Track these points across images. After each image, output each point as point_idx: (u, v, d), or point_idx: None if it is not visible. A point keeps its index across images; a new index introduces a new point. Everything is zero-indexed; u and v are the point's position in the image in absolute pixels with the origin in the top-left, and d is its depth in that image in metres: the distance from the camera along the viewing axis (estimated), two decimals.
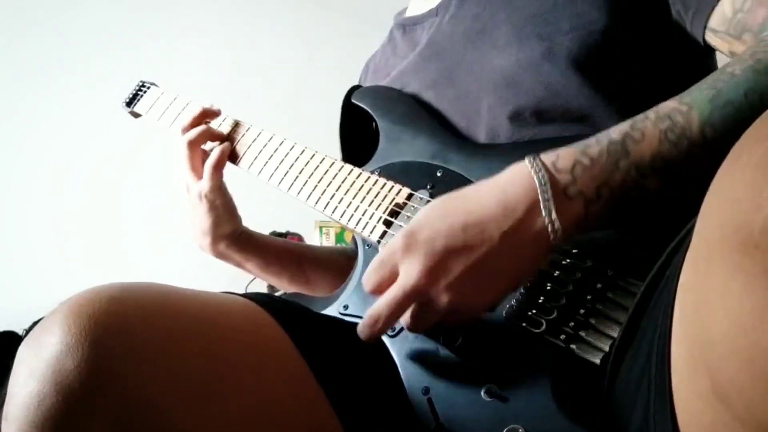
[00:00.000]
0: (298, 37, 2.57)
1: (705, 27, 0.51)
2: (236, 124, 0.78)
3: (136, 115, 0.91)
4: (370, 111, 0.70)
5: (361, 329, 0.47)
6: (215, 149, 0.74)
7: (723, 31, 0.51)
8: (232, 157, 0.76)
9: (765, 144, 0.26)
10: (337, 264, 0.81)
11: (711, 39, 0.52)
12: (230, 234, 0.76)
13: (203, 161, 0.73)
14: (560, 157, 0.43)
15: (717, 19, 0.51)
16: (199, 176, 0.73)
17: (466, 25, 0.67)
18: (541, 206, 0.42)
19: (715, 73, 0.45)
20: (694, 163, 0.41)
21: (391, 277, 0.46)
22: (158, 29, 2.32)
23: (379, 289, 0.47)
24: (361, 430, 0.51)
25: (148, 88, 0.89)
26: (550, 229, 0.42)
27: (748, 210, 0.24)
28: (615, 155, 0.42)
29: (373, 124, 0.70)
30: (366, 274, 0.48)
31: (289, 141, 0.72)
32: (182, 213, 0.77)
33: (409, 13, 0.81)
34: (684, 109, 0.42)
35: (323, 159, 0.68)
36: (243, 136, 0.76)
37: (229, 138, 0.76)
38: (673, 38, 0.57)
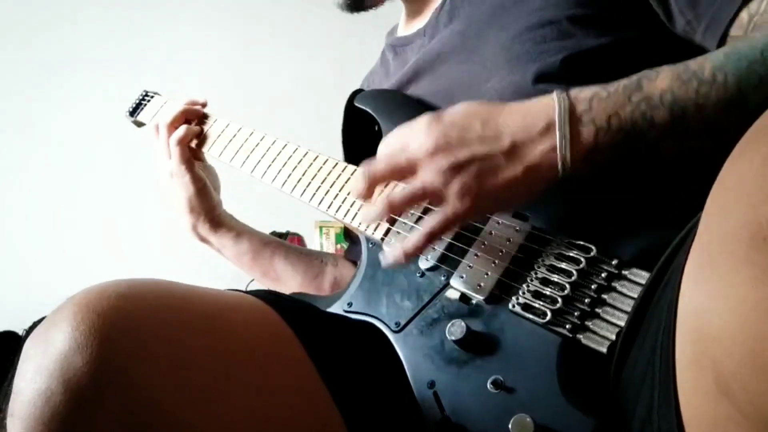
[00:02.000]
0: (298, 37, 2.57)
1: (723, 36, 0.51)
2: (209, 117, 0.81)
3: (140, 124, 0.91)
4: (372, 113, 0.71)
5: (353, 183, 0.51)
6: (181, 127, 0.76)
7: (741, 36, 0.51)
8: (201, 142, 0.78)
9: None
10: (308, 266, 0.81)
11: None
12: (205, 212, 0.77)
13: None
14: (583, 90, 0.46)
15: (734, 26, 0.51)
16: (170, 156, 0.75)
17: (454, 45, 0.67)
18: (557, 128, 0.45)
19: (738, 39, 0.47)
20: (702, 102, 0.43)
21: (403, 148, 0.49)
22: (158, 34, 2.32)
23: (391, 153, 0.49)
24: (366, 427, 0.51)
25: (152, 97, 0.90)
26: (559, 150, 0.44)
27: (756, 203, 0.24)
28: (629, 89, 0.45)
29: (376, 126, 0.70)
30: (382, 142, 0.51)
31: (292, 143, 0.73)
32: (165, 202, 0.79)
33: (399, 33, 0.81)
34: (699, 59, 0.45)
35: (326, 160, 0.69)
36: (222, 130, 0.79)
37: (199, 122, 0.80)
38: (669, 48, 0.57)
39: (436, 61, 0.69)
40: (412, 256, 0.50)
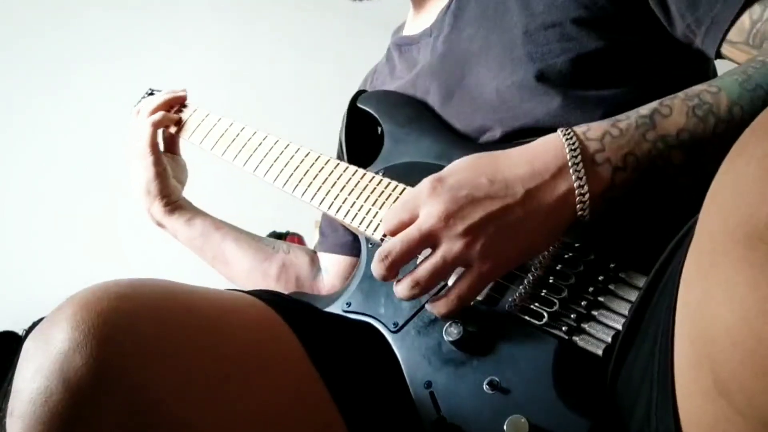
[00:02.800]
0: (299, 36, 2.57)
1: (722, 40, 0.51)
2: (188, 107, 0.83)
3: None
4: (375, 114, 0.71)
5: (373, 266, 0.48)
6: (157, 113, 0.78)
7: (741, 42, 0.51)
8: (179, 129, 0.80)
9: None
10: (257, 250, 0.82)
11: (728, 51, 0.52)
12: (161, 197, 0.78)
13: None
14: (591, 128, 0.45)
15: (735, 31, 0.51)
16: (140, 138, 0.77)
17: (460, 46, 0.67)
18: (570, 170, 0.43)
19: (745, 62, 0.46)
20: (719, 140, 0.42)
21: (411, 219, 0.47)
22: (159, 32, 2.32)
23: (399, 230, 0.47)
24: (365, 427, 0.51)
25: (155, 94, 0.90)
26: (577, 192, 0.43)
27: (753, 203, 0.24)
28: (643, 127, 0.44)
29: (379, 128, 0.71)
30: (387, 214, 0.49)
31: (295, 143, 0.73)
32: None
33: (405, 32, 0.81)
34: (713, 90, 0.44)
35: (328, 160, 0.69)
36: (239, 135, 0.79)
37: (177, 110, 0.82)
38: (670, 51, 0.57)
39: (442, 62, 0.69)
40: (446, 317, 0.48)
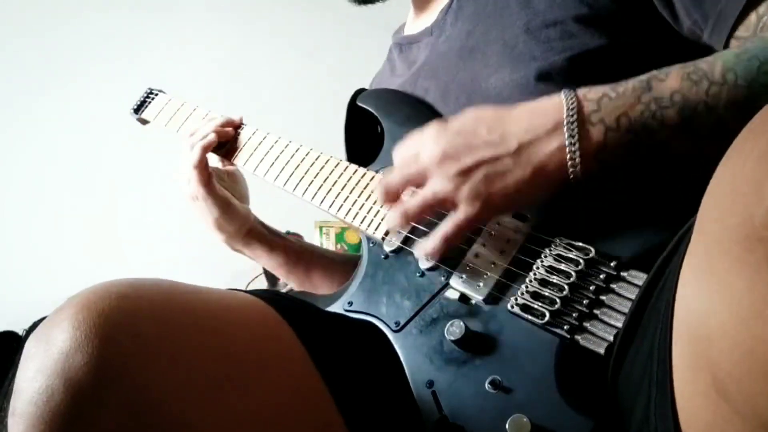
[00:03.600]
0: (299, 36, 2.57)
1: (729, 35, 0.51)
2: (240, 127, 0.79)
3: (144, 122, 0.91)
4: (375, 113, 0.71)
5: (378, 195, 0.53)
6: (195, 147, 0.73)
7: (748, 36, 0.50)
8: (229, 154, 0.77)
9: (766, 136, 0.26)
10: (347, 273, 0.80)
11: (736, 47, 0.52)
12: (236, 229, 0.76)
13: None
14: (591, 90, 0.47)
15: (742, 27, 0.51)
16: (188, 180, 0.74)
17: (460, 44, 0.67)
18: (565, 127, 0.45)
19: (750, 39, 0.47)
20: (712, 102, 0.43)
21: (415, 156, 0.51)
22: (160, 33, 2.32)
23: (402, 164, 0.52)
24: (365, 426, 0.51)
25: (156, 95, 0.90)
26: (568, 150, 0.45)
27: (750, 203, 0.24)
28: (639, 90, 0.45)
29: (378, 126, 0.71)
30: (395, 150, 0.53)
31: (295, 142, 0.73)
32: (189, 219, 0.78)
33: (405, 32, 0.81)
34: (710, 59, 0.45)
35: (328, 159, 0.69)
36: (239, 135, 0.78)
37: (222, 137, 0.76)
38: (673, 49, 0.57)
39: (442, 60, 0.69)
40: (434, 258, 0.52)
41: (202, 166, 0.73)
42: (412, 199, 0.50)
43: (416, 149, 0.51)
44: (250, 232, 0.78)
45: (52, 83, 2.11)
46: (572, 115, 0.45)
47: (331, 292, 0.77)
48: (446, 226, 0.50)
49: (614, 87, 0.46)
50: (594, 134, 0.45)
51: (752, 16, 0.49)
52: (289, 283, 0.82)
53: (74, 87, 2.13)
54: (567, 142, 0.45)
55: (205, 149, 0.73)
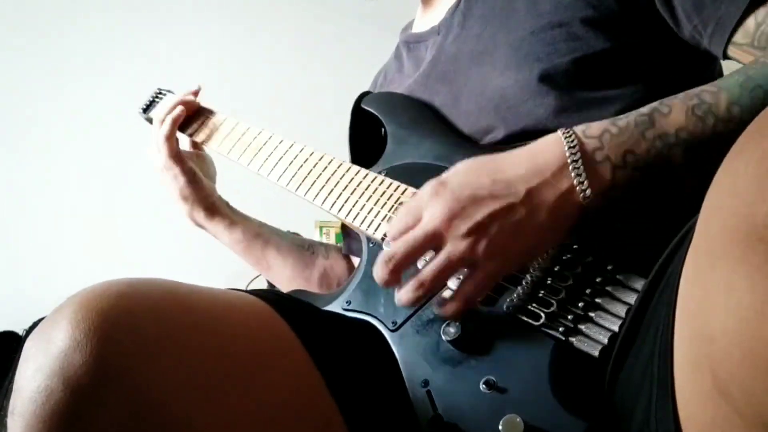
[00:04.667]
0: (303, 37, 2.58)
1: (728, 42, 0.51)
2: (207, 110, 0.84)
3: (152, 121, 0.92)
4: (378, 115, 0.71)
5: (375, 270, 0.47)
6: (166, 119, 0.78)
7: (746, 44, 0.50)
8: (193, 133, 0.81)
9: None
10: (298, 259, 0.83)
11: (734, 53, 0.52)
12: (199, 201, 0.79)
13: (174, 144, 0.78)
14: (590, 127, 0.45)
15: (740, 33, 0.51)
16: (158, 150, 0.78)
17: (468, 46, 0.67)
18: (570, 168, 0.43)
19: (747, 64, 0.46)
20: (719, 139, 0.42)
21: (415, 223, 0.46)
22: (162, 32, 2.32)
23: (403, 234, 0.47)
24: (363, 424, 0.51)
25: (165, 95, 0.91)
26: (578, 189, 0.43)
27: (752, 202, 0.24)
28: (642, 126, 0.44)
29: (382, 129, 0.71)
30: (392, 222, 0.49)
31: (298, 143, 0.74)
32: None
33: (414, 29, 0.82)
34: (713, 90, 0.43)
35: (331, 160, 0.70)
36: (221, 123, 0.81)
37: (188, 113, 0.81)
38: (676, 52, 0.57)
39: (453, 64, 0.69)
40: (455, 319, 0.48)
41: (172, 137, 0.78)
42: (426, 269, 0.45)
43: (416, 213, 0.46)
44: (213, 205, 0.81)
45: (53, 83, 2.11)
46: (575, 153, 0.44)
47: (282, 273, 0.81)
48: (467, 288, 0.46)
49: (614, 122, 0.45)
50: (602, 172, 0.43)
51: (750, 23, 0.49)
52: (246, 259, 0.83)
53: (75, 87, 2.14)
54: (575, 182, 0.43)
55: (175, 122, 0.78)
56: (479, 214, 0.44)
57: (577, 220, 0.45)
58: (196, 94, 0.85)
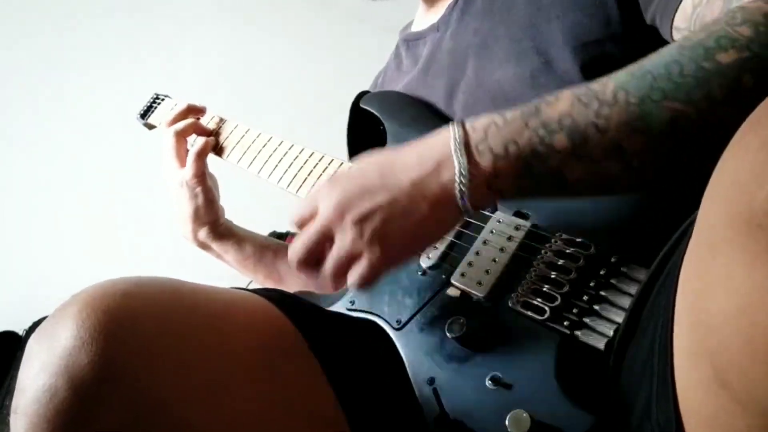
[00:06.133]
0: (299, 37, 2.57)
1: (671, 26, 0.51)
2: (222, 121, 0.83)
3: (151, 127, 0.92)
4: (377, 114, 0.72)
5: (290, 260, 0.49)
6: (199, 139, 0.78)
7: (684, 27, 0.50)
8: (219, 151, 0.81)
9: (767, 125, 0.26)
10: None
11: (677, 37, 0.52)
12: (211, 222, 0.79)
13: (187, 152, 0.78)
14: (478, 119, 0.45)
15: (680, 16, 0.50)
16: (183, 165, 0.77)
17: (467, 40, 0.68)
18: (453, 157, 0.43)
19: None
20: (603, 124, 0.40)
21: (312, 214, 0.48)
22: (160, 34, 2.32)
23: (302, 224, 0.49)
24: (368, 423, 0.51)
25: (162, 99, 0.91)
26: (458, 180, 0.43)
27: (751, 190, 0.24)
28: (526, 116, 0.43)
29: (381, 127, 0.71)
30: (294, 212, 0.50)
31: (276, 137, 0.77)
32: (169, 204, 0.80)
33: (413, 28, 0.82)
34: (603, 80, 0.42)
35: (331, 161, 0.70)
36: (231, 132, 0.81)
37: (215, 133, 0.82)
38: (659, 42, 0.58)
39: (450, 57, 0.69)
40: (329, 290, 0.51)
41: (205, 156, 0.77)
42: (326, 266, 0.47)
43: (311, 208, 0.48)
44: (222, 225, 0.81)
45: (51, 83, 2.11)
46: (458, 147, 0.44)
47: (294, 282, 0.80)
48: (353, 276, 0.46)
49: (503, 114, 0.44)
50: (482, 163, 0.43)
51: (687, 7, 0.49)
52: (256, 275, 0.83)
53: (75, 88, 2.14)
54: (456, 172, 0.43)
55: (208, 144, 0.78)
56: (364, 205, 0.45)
57: (461, 212, 0.44)
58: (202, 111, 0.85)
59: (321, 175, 0.68)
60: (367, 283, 0.47)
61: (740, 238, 0.24)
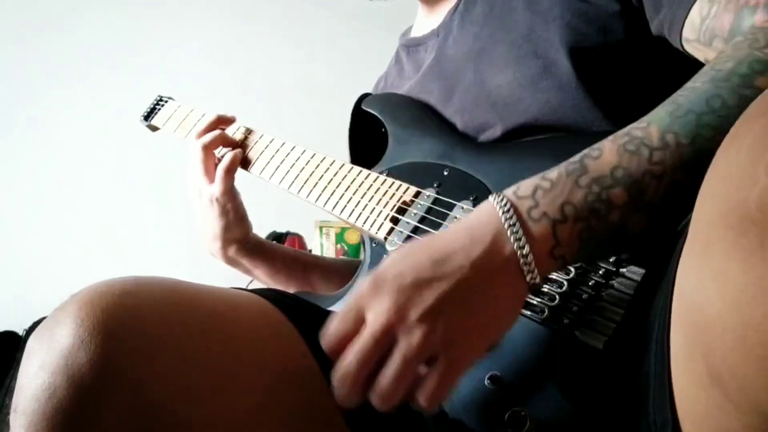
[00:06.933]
0: (300, 38, 2.58)
1: (680, 37, 0.51)
2: (248, 132, 0.80)
3: (154, 129, 0.92)
4: (379, 116, 0.72)
5: (336, 395, 0.39)
6: (228, 154, 0.75)
7: (694, 39, 0.50)
8: (244, 163, 0.77)
9: (759, 122, 0.26)
10: (343, 275, 0.81)
11: (687, 48, 0.52)
12: (240, 239, 0.76)
13: (216, 166, 0.75)
14: (521, 186, 0.41)
15: (688, 28, 0.50)
16: (212, 180, 0.74)
17: (467, 46, 0.68)
18: (507, 232, 0.39)
19: (677, 91, 0.43)
20: (658, 170, 0.39)
21: (356, 326, 0.39)
22: (160, 35, 2.32)
23: (344, 342, 0.39)
24: (366, 423, 0.51)
25: (166, 102, 0.91)
26: (519, 254, 0.39)
27: (743, 187, 0.25)
28: (574, 174, 0.40)
29: (383, 129, 0.71)
30: (327, 332, 0.41)
31: (299, 146, 0.75)
32: (192, 218, 0.78)
33: (413, 33, 0.82)
34: (642, 125, 0.41)
35: (333, 162, 0.70)
36: (255, 143, 0.78)
37: (241, 145, 0.79)
38: (662, 50, 0.58)
39: (449, 63, 0.70)
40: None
41: (234, 171, 0.74)
42: (383, 380, 0.38)
43: (358, 316, 0.39)
44: (252, 240, 0.78)
45: (51, 83, 2.11)
46: (510, 217, 0.39)
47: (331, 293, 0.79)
48: (431, 385, 0.38)
49: (544, 176, 0.41)
50: (541, 231, 0.39)
51: (695, 17, 0.49)
52: (288, 289, 0.81)
53: (74, 87, 2.14)
54: (515, 246, 0.39)
55: (237, 159, 0.75)
56: (428, 298, 0.38)
57: (525, 289, 0.40)
58: (231, 120, 0.81)
59: (349, 186, 0.65)
60: (447, 393, 0.39)
61: (733, 236, 0.25)
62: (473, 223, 0.41)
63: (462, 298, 0.38)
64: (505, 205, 0.40)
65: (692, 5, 0.49)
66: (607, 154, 0.40)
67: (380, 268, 0.40)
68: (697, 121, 0.38)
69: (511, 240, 0.39)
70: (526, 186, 0.41)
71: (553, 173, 0.41)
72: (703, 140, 0.38)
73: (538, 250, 0.39)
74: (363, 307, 0.39)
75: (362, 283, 0.40)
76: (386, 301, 0.38)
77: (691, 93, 0.40)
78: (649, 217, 0.39)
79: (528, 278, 0.39)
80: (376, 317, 0.38)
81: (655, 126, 0.40)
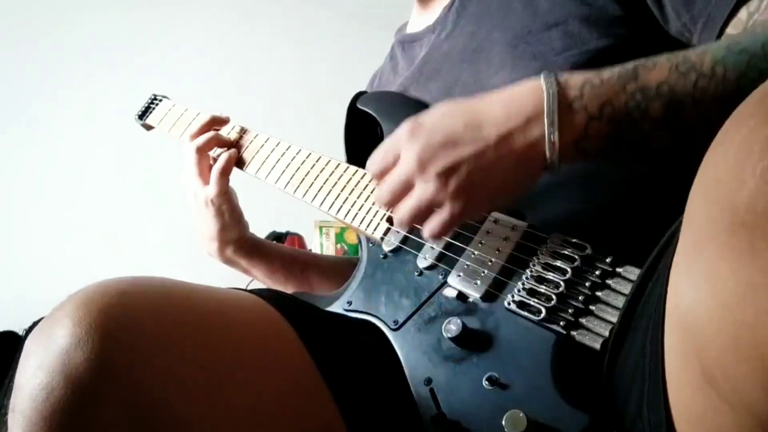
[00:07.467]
0: (297, 38, 2.58)
1: (719, 35, 0.51)
2: (243, 131, 0.80)
3: (149, 128, 0.92)
4: (374, 115, 0.71)
5: (378, 201, 0.50)
6: (222, 155, 0.75)
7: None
8: (240, 163, 0.77)
9: (748, 123, 0.26)
10: (342, 273, 0.80)
11: None
12: (237, 239, 0.76)
13: (210, 167, 0.74)
14: (573, 76, 0.44)
15: (734, 24, 0.50)
16: (206, 182, 0.74)
17: (463, 44, 0.67)
18: (545, 115, 0.43)
19: (742, 32, 0.45)
20: (699, 96, 0.41)
21: (394, 161, 0.48)
22: (158, 35, 2.32)
23: (382, 174, 0.49)
24: (364, 424, 0.51)
25: (160, 100, 0.90)
26: (547, 139, 0.42)
27: (732, 188, 0.25)
28: (624, 79, 0.43)
29: (378, 128, 0.71)
30: (371, 159, 0.50)
31: (295, 146, 0.74)
32: (189, 219, 0.78)
33: (408, 30, 0.82)
34: (699, 51, 0.43)
35: (328, 162, 0.70)
36: (251, 142, 0.78)
37: (236, 145, 0.78)
38: (670, 49, 0.58)
39: (444, 60, 0.69)
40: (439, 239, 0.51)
41: (229, 173, 0.74)
42: (402, 209, 0.48)
43: (393, 154, 0.48)
44: (249, 241, 0.78)
45: (51, 84, 2.11)
46: (552, 102, 0.42)
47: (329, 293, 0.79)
48: (431, 225, 0.48)
49: (598, 73, 0.44)
50: (576, 122, 0.42)
51: (743, 14, 0.49)
52: (287, 288, 0.81)
53: (74, 87, 2.14)
54: (547, 131, 0.42)
55: (232, 159, 0.75)
56: (449, 158, 0.45)
57: (543, 169, 0.44)
58: (225, 121, 0.81)
59: (345, 186, 0.66)
60: (443, 234, 0.48)
61: (724, 237, 0.25)
62: (514, 96, 0.45)
63: (478, 167, 0.44)
64: (553, 86, 0.43)
65: (738, 3, 0.49)
66: (659, 68, 0.42)
67: (422, 116, 0.48)
68: (748, 61, 0.40)
69: (546, 123, 0.42)
70: (577, 77, 0.44)
71: (607, 73, 0.43)
72: (747, 80, 0.39)
73: (566, 139, 0.42)
74: (399, 149, 0.48)
75: (402, 126, 0.48)
76: (415, 150, 0.46)
77: (751, 36, 0.42)
78: (674, 137, 0.42)
79: (549, 162, 0.43)
80: (405, 162, 0.47)
81: (710, 55, 0.42)
